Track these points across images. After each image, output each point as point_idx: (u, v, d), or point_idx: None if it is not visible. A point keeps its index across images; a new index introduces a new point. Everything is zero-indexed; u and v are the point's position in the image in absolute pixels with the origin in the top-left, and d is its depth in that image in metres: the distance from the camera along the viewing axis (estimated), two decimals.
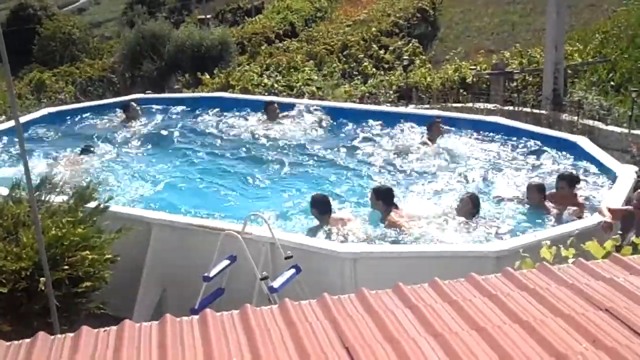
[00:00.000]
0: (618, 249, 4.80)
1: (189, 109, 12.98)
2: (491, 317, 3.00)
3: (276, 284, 6.36)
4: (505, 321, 2.96)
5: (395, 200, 8.30)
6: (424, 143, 10.66)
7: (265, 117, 12.27)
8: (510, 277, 3.43)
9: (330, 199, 8.12)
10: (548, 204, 8.07)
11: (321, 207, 7.92)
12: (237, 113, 12.60)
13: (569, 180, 8.13)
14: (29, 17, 28.55)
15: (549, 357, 2.65)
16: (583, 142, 9.79)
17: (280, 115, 12.21)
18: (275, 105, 12.37)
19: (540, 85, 13.88)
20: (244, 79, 16.46)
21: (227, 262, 6.70)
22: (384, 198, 8.21)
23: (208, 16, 28.49)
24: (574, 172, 8.61)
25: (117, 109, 12.58)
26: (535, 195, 8.13)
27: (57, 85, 18.63)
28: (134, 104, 12.49)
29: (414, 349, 2.73)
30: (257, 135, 11.59)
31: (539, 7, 21.24)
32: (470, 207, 8.13)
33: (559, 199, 8.08)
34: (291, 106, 12.55)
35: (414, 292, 3.28)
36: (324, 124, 12.00)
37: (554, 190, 8.23)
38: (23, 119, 11.66)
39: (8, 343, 2.93)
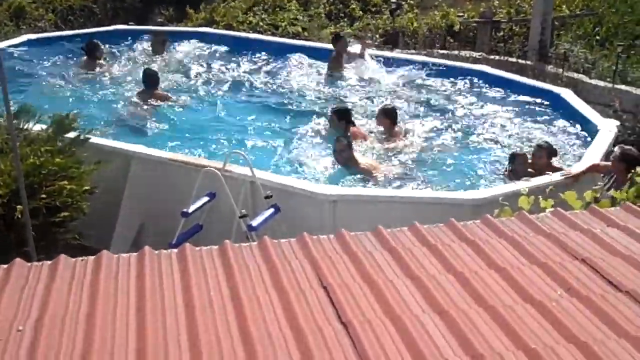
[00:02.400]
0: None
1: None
2: (468, 262, 3.03)
3: (255, 222, 6.37)
4: (482, 267, 2.99)
5: None
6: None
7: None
8: (489, 224, 3.45)
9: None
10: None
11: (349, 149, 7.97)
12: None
13: (548, 151, 7.84)
14: None
15: (524, 302, 2.68)
16: (567, 94, 9.80)
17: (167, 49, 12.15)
18: (166, 38, 12.24)
19: (527, 35, 13.81)
20: (229, 15, 16.20)
21: (206, 198, 6.69)
22: (346, 117, 8.76)
23: None
24: (551, 144, 8.21)
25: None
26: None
27: (37, 13, 18.19)
28: (100, 43, 11.63)
29: (391, 290, 2.76)
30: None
31: None
32: (382, 117, 8.90)
33: (535, 167, 7.79)
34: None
35: (393, 236, 3.29)
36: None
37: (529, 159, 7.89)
38: (2, 44, 11.45)
39: None
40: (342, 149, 7.84)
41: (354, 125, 8.79)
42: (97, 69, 11.24)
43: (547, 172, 7.31)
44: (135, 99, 9.91)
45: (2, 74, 5.03)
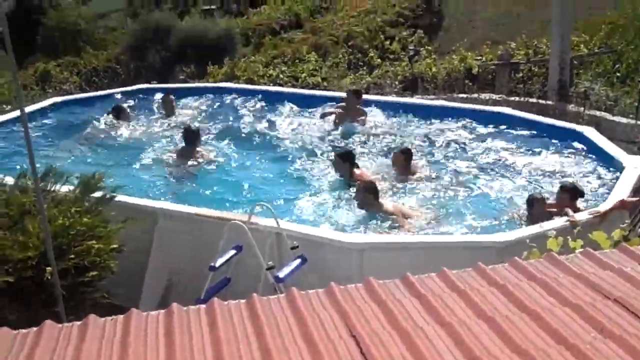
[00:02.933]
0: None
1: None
2: (499, 306, 2.99)
3: (282, 274, 6.35)
4: (513, 311, 2.95)
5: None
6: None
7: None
8: (517, 267, 3.42)
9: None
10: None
11: (375, 192, 7.95)
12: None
13: (572, 193, 7.65)
14: (33, 7, 28.48)
15: (557, 346, 2.64)
16: (590, 132, 9.77)
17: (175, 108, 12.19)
18: (172, 97, 12.20)
19: (546, 76, 13.84)
20: (249, 70, 16.46)
21: (233, 252, 6.70)
22: (350, 160, 8.84)
23: (213, 7, 28.39)
24: (577, 184, 8.05)
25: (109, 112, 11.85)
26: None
27: (62, 76, 18.61)
28: (125, 106, 12.02)
29: (422, 338, 2.73)
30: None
31: None
32: (398, 155, 8.98)
33: (559, 209, 7.55)
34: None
35: (421, 282, 3.27)
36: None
37: (553, 201, 7.75)
38: (31, 108, 11.67)
39: (15, 331, 2.93)
40: (356, 193, 7.94)
41: (357, 167, 8.87)
42: (124, 132, 11.39)
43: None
44: (175, 157, 9.95)
45: (28, 138, 5.11)
